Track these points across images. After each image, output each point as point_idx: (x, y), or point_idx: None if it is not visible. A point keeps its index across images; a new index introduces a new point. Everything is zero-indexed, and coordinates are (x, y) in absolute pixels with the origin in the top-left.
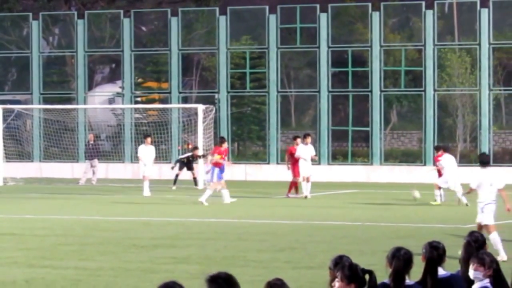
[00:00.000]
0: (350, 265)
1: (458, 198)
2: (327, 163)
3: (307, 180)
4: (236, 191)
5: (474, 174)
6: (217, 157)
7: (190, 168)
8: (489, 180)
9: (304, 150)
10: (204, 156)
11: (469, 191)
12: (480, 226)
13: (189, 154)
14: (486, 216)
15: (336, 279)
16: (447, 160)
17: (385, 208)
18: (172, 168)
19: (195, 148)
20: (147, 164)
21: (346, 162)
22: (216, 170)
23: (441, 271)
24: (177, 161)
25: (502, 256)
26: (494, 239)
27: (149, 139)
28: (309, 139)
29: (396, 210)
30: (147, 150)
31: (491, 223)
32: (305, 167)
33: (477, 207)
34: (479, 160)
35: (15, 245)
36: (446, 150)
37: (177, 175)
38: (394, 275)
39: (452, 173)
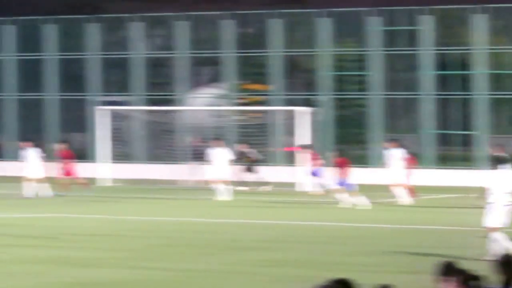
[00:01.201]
0: (463, 270)
1: None
2: (433, 167)
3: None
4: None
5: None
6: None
7: (253, 171)
8: None
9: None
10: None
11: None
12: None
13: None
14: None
15: (454, 285)
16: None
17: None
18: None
19: (243, 148)
20: (221, 167)
21: (451, 166)
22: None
23: None
24: (237, 161)
25: None
26: None
27: (220, 142)
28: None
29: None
30: (219, 153)
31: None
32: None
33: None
34: None
35: (120, 246)
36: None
37: (242, 178)
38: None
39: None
